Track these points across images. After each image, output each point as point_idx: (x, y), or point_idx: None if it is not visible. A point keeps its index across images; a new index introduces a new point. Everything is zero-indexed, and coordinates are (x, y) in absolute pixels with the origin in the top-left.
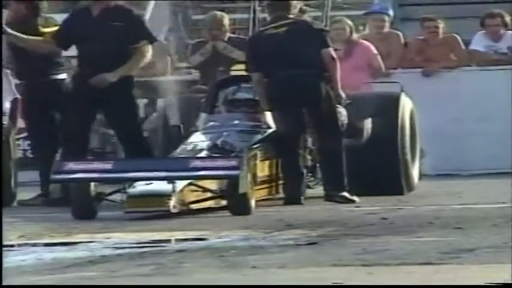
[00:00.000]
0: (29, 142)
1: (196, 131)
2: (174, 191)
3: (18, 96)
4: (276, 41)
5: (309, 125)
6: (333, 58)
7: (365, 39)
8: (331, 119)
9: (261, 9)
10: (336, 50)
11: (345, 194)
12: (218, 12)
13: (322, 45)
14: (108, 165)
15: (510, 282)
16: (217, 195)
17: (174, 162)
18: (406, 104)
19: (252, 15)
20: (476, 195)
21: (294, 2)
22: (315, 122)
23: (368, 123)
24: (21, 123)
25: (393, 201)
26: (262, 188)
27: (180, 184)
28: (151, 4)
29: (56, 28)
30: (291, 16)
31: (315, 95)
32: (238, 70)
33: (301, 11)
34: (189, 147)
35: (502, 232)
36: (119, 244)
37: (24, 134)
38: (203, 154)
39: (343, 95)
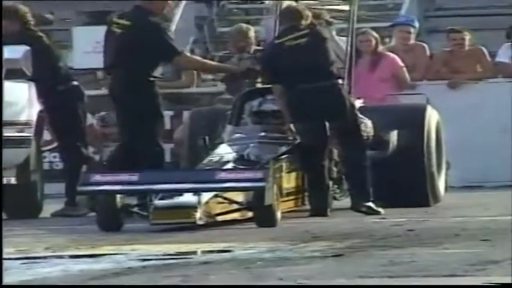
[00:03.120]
0: (54, 154)
1: (222, 142)
2: (200, 202)
3: (42, 108)
4: (295, 53)
5: (333, 136)
6: None
7: (391, 51)
8: (355, 130)
9: None
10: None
11: (371, 204)
12: (244, 25)
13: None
14: (134, 177)
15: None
16: (243, 207)
17: (200, 174)
18: (432, 116)
19: (276, 27)
20: (503, 207)
21: (306, 13)
22: (339, 133)
23: (394, 135)
24: (46, 135)
25: (419, 213)
26: (288, 200)
27: (206, 196)
28: (177, 16)
29: None
30: (304, 26)
31: (338, 107)
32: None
33: (328, 23)
34: (215, 159)
35: None
36: (144, 256)
37: (51, 146)
38: (229, 166)
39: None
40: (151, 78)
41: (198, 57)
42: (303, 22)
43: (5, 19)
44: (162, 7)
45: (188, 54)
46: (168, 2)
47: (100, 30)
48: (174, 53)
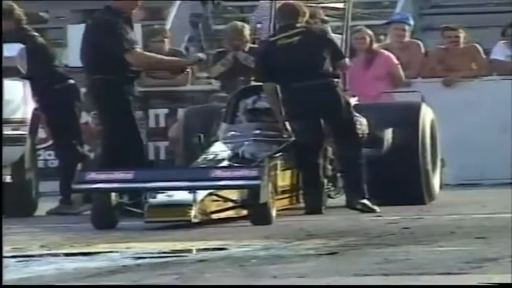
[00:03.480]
0: (49, 152)
1: (217, 140)
2: (195, 200)
3: (37, 106)
4: (290, 51)
5: (328, 134)
6: (347, 68)
7: (385, 49)
8: (350, 128)
9: None
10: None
11: (366, 201)
12: (239, 23)
13: (337, 55)
14: (129, 175)
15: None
16: (238, 205)
17: (195, 172)
18: (426, 114)
19: (272, 25)
20: (499, 204)
21: (302, 10)
22: (334, 131)
23: (389, 133)
24: (41, 133)
25: (414, 210)
26: (283, 198)
27: (201, 194)
28: (172, 14)
29: None
30: (300, 24)
31: (333, 105)
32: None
33: (323, 21)
34: (210, 157)
35: None
36: (139, 254)
37: (45, 144)
38: (224, 164)
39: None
40: (112, 78)
41: (148, 54)
42: (301, 19)
43: None
44: (131, 7)
45: (138, 50)
46: (137, 2)
47: None
48: (123, 50)
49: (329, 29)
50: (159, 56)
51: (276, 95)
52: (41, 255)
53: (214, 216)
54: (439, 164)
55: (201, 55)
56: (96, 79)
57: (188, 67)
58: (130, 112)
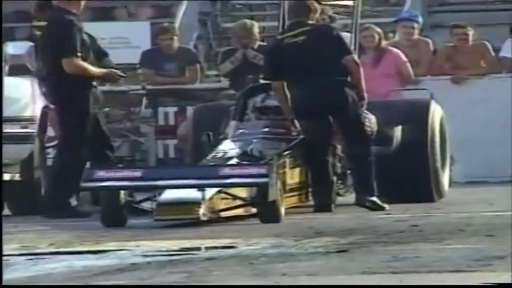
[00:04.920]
0: None
1: (226, 138)
2: (203, 198)
3: (47, 104)
4: (298, 49)
5: (337, 132)
6: (356, 64)
7: (394, 47)
8: (359, 126)
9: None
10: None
11: (375, 199)
12: (248, 21)
13: (344, 52)
14: (137, 173)
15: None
16: (247, 202)
17: (203, 170)
18: (435, 111)
19: (281, 23)
20: (507, 202)
21: (314, 7)
22: (343, 129)
23: (398, 131)
24: (50, 131)
25: (423, 208)
26: (292, 196)
27: (209, 192)
28: (181, 12)
29: None
30: (310, 22)
31: (341, 103)
32: None
33: (331, 19)
34: (219, 154)
35: None
36: (148, 252)
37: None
38: (233, 162)
39: (366, 100)
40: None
41: (81, 64)
42: (312, 16)
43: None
44: (79, 6)
45: (78, 60)
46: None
47: (105, 26)
48: (62, 54)
49: (337, 26)
50: (91, 68)
51: (284, 93)
52: (50, 253)
53: (223, 214)
54: (448, 161)
55: (120, 72)
56: (49, 76)
57: (118, 79)
58: (83, 109)
